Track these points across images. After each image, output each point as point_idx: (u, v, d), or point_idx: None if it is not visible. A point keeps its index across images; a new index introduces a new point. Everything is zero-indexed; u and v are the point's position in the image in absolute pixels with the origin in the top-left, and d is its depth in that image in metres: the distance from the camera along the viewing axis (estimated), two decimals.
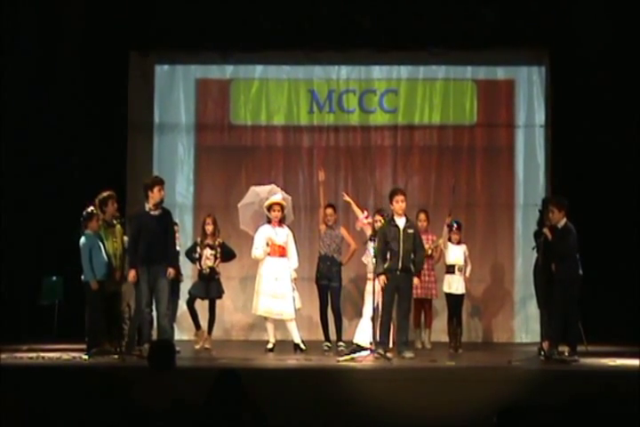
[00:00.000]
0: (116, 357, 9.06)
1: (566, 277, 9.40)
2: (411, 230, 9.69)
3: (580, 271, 9.48)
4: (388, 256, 9.57)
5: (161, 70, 12.76)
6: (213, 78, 12.84)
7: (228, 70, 12.79)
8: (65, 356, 9.20)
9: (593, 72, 11.96)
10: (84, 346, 9.41)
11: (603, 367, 8.94)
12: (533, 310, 11.28)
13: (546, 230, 9.44)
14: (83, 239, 9.55)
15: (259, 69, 12.77)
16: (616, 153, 11.82)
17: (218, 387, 5.39)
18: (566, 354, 9.40)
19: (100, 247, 9.55)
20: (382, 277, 9.49)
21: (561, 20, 11.92)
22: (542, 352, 9.43)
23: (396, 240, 9.57)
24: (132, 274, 9.35)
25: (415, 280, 9.73)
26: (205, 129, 12.78)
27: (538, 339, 10.04)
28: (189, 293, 10.79)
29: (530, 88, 12.60)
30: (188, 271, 11.15)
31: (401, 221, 9.70)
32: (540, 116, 12.55)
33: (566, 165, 11.93)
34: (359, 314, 10.53)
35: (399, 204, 9.69)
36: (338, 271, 10.79)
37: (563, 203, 9.52)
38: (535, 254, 10.04)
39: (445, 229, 10.86)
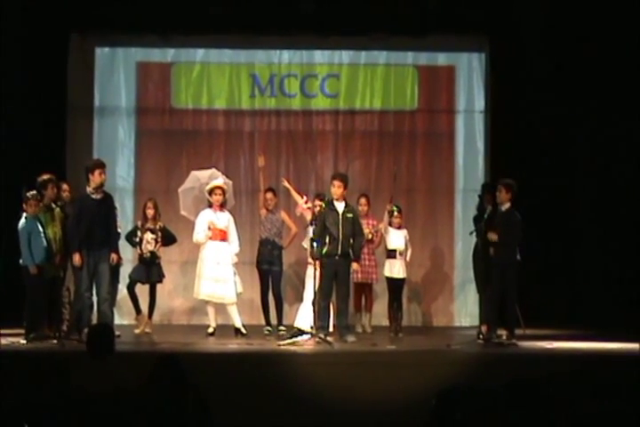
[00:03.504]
0: (55, 342, 8.95)
1: (504, 261, 9.47)
2: (350, 215, 9.69)
3: (518, 256, 9.56)
4: (327, 241, 9.56)
5: (101, 53, 12.59)
6: (154, 61, 12.70)
7: (169, 53, 12.66)
8: (3, 341, 9.05)
9: (532, 59, 12.06)
10: (22, 331, 9.28)
11: (540, 350, 9.05)
12: (472, 294, 11.40)
13: (491, 234, 9.47)
14: (21, 223, 9.40)
15: (200, 53, 12.66)
16: (554, 139, 11.94)
17: (157, 372, 5.35)
18: (504, 338, 9.49)
19: (39, 231, 9.41)
20: (320, 262, 9.48)
21: (501, 7, 11.98)
22: (481, 336, 9.51)
23: (335, 225, 9.57)
24: (76, 257, 9.25)
25: (354, 265, 9.74)
26: (146, 112, 12.66)
27: (477, 323, 10.13)
28: (130, 277, 10.70)
29: (470, 74, 12.66)
30: (129, 255, 11.05)
31: (340, 206, 9.69)
32: (479, 102, 12.62)
33: (505, 150, 12.02)
34: (300, 298, 10.53)
35: (336, 188, 9.68)
36: (279, 255, 10.79)
37: (511, 185, 9.58)
38: (474, 239, 10.12)
39: (386, 214, 10.89)
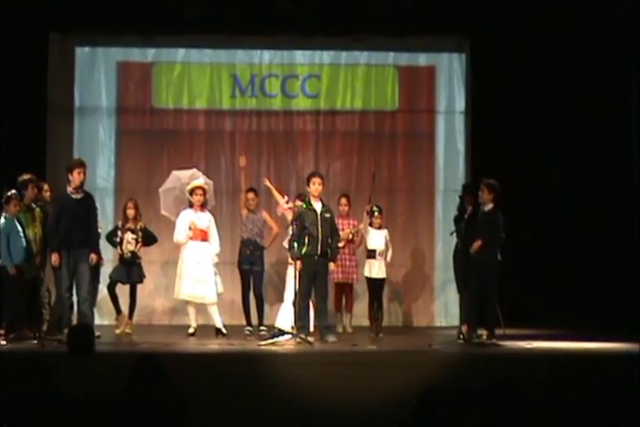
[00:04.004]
0: (35, 342, 8.91)
1: (484, 261, 9.49)
2: (327, 215, 9.69)
3: (499, 256, 9.59)
4: (306, 241, 9.55)
5: (81, 52, 12.53)
6: (135, 61, 12.65)
7: (149, 53, 12.62)
8: None
9: (512, 59, 12.08)
10: (1, 331, 9.23)
11: (520, 350, 9.08)
12: (453, 294, 11.42)
13: (474, 246, 9.48)
14: (1, 223, 9.35)
15: (181, 53, 12.62)
16: (535, 139, 11.97)
17: (138, 372, 5.34)
18: (485, 337, 9.51)
19: (18, 232, 9.37)
20: (300, 262, 9.47)
21: (481, 7, 12.01)
22: (461, 336, 9.52)
23: (314, 225, 9.56)
24: (54, 257, 9.22)
25: (331, 265, 9.73)
26: (127, 112, 12.61)
27: (457, 323, 10.13)
28: (110, 277, 10.67)
29: (450, 75, 12.68)
30: (109, 255, 11.02)
31: (317, 206, 9.68)
32: (460, 103, 12.64)
33: (485, 150, 12.05)
34: (281, 298, 10.52)
35: (315, 186, 9.67)
36: (260, 256, 10.78)
37: (495, 186, 9.60)
38: (455, 239, 10.13)
39: (365, 214, 10.89)
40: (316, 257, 9.52)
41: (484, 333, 9.57)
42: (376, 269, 10.82)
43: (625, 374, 7.42)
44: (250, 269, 10.72)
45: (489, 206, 9.62)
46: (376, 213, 10.86)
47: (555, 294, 11.66)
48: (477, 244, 9.47)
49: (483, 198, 9.62)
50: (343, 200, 11.20)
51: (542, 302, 11.58)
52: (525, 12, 11.92)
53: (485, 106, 12.12)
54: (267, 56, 12.66)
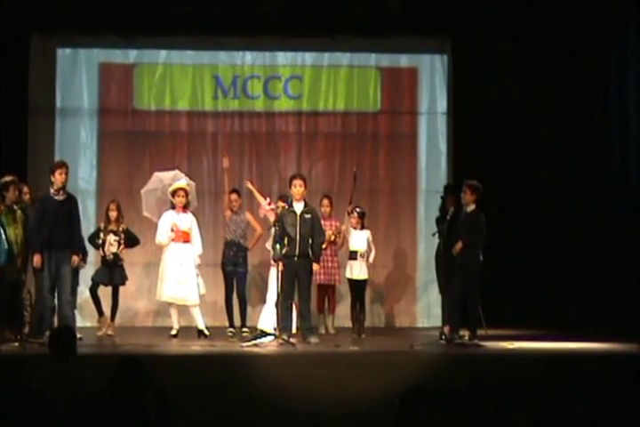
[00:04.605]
0: (16, 344, 8.87)
1: (467, 262, 9.52)
2: (308, 215, 9.69)
3: (481, 257, 9.61)
4: (286, 242, 9.55)
5: (63, 54, 12.49)
6: (117, 62, 12.61)
7: (131, 55, 12.59)
8: None
9: (494, 60, 12.13)
10: None
11: (502, 351, 9.10)
12: (435, 295, 11.43)
13: (457, 247, 9.49)
14: None
15: (163, 54, 12.59)
16: (517, 140, 12.01)
17: (120, 374, 5.32)
18: (467, 338, 9.54)
19: (0, 233, 9.33)
20: (281, 263, 9.47)
21: (463, 8, 12.04)
22: (443, 336, 9.53)
23: (293, 226, 9.56)
24: (36, 259, 9.20)
25: (315, 266, 9.73)
26: (108, 114, 12.57)
27: (439, 324, 10.16)
28: (92, 279, 10.64)
29: (432, 76, 12.70)
30: (91, 257, 10.99)
31: (298, 206, 9.69)
32: (442, 104, 12.66)
33: (468, 151, 12.09)
34: (263, 300, 10.52)
35: (297, 188, 9.69)
36: (244, 257, 10.78)
37: (477, 187, 9.62)
38: (437, 240, 10.15)
39: (346, 216, 10.89)
40: (296, 258, 9.52)
41: (465, 333, 9.59)
42: (357, 271, 10.82)
43: (610, 375, 7.45)
44: (233, 270, 10.73)
45: (471, 207, 9.64)
46: (355, 214, 10.84)
47: (538, 294, 11.69)
48: (459, 245, 9.50)
49: (465, 199, 9.64)
50: (325, 201, 11.22)
51: (525, 301, 11.61)
52: (508, 12, 11.96)
53: (467, 107, 12.16)
54: (249, 57, 12.66)
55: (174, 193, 10.38)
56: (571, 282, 11.49)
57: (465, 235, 9.50)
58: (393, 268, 12.54)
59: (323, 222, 10.82)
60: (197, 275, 10.35)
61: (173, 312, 10.42)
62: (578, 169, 11.64)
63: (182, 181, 10.50)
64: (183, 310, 10.46)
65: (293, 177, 9.89)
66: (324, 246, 10.44)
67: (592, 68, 11.47)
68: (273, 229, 9.81)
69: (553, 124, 11.86)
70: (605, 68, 11.44)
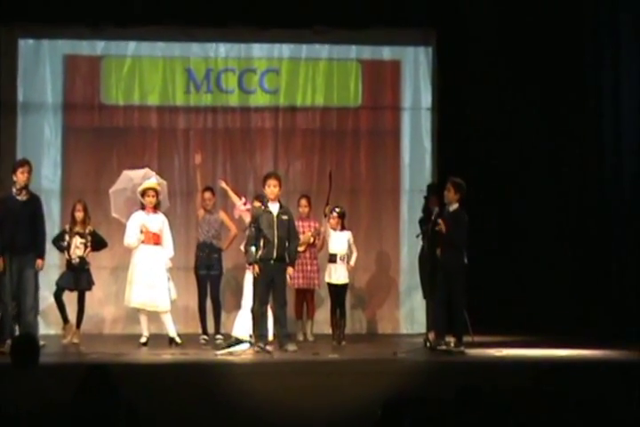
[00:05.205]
0: None
1: (450, 265, 9.54)
2: (285, 217, 9.69)
3: (466, 260, 9.63)
4: (262, 244, 9.54)
5: (25, 45, 12.43)
6: (83, 55, 12.56)
7: (98, 46, 12.53)
8: None
9: (481, 53, 12.16)
10: None
11: (489, 358, 9.14)
12: (419, 299, 11.46)
13: (441, 222, 9.51)
14: None
15: (132, 46, 12.56)
16: (505, 137, 12.05)
17: (86, 384, 5.30)
18: (452, 345, 9.56)
19: None
20: (256, 267, 9.47)
21: None
22: (428, 343, 9.56)
23: (270, 228, 9.56)
24: None
25: (289, 270, 9.72)
26: (74, 109, 12.52)
27: (424, 330, 10.20)
28: (57, 284, 10.60)
29: (416, 69, 12.71)
30: (56, 261, 10.96)
31: (274, 207, 9.68)
32: (426, 99, 12.68)
33: (453, 149, 12.11)
34: (238, 305, 10.51)
35: (271, 188, 9.67)
36: (218, 259, 10.79)
37: (461, 185, 9.64)
38: (421, 243, 10.17)
39: (324, 218, 10.89)
40: (272, 261, 9.52)
41: (451, 340, 9.61)
42: (337, 275, 10.81)
43: (604, 384, 7.49)
44: (207, 273, 10.73)
45: (454, 206, 9.66)
46: (334, 214, 10.82)
47: (526, 299, 11.73)
48: (442, 226, 9.47)
49: (448, 198, 9.66)
50: (303, 201, 11.22)
51: (513, 307, 11.65)
52: (495, 3, 12.00)
53: (453, 102, 12.19)
54: (222, 49, 12.64)
55: (144, 193, 10.36)
56: (561, 286, 11.54)
57: (447, 235, 9.50)
58: (375, 271, 12.55)
59: (301, 224, 10.86)
60: (168, 279, 10.34)
61: (143, 319, 10.40)
62: (568, 169, 11.71)
63: (152, 180, 10.48)
64: (153, 316, 10.44)
65: (267, 176, 9.86)
66: (301, 249, 10.45)
67: (585, 58, 11.53)
68: (248, 231, 9.81)
69: (544, 119, 11.90)
70: (596, 60, 11.50)
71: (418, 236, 10.04)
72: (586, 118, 11.61)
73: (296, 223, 10.14)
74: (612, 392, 6.53)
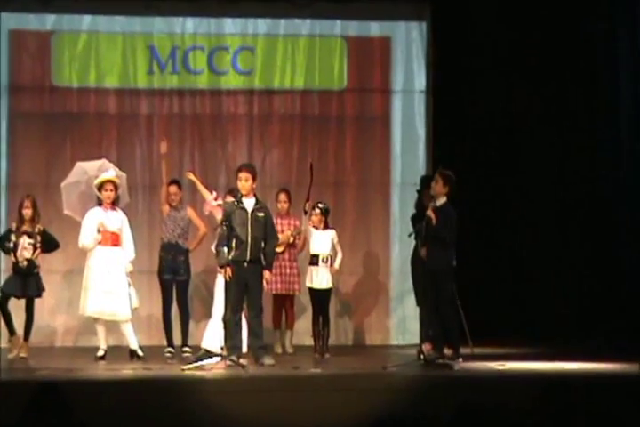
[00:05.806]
0: None
1: (437, 267, 9.55)
2: (261, 214, 9.65)
3: (454, 262, 9.65)
4: (234, 244, 9.53)
5: None
6: (31, 30, 12.56)
7: (48, 20, 12.53)
8: None
9: (480, 30, 12.19)
10: None
11: (490, 372, 9.17)
12: (412, 307, 11.50)
13: (429, 213, 9.53)
14: None
15: (87, 20, 12.54)
16: (505, 122, 12.09)
17: (36, 404, 5.29)
18: (449, 358, 9.58)
19: None
20: (228, 270, 9.45)
21: None
22: (422, 356, 9.58)
23: (243, 226, 9.53)
24: None
25: (266, 274, 9.71)
26: (21, 91, 12.51)
27: (417, 341, 10.23)
28: (1, 291, 10.60)
29: (408, 47, 12.75)
30: (1, 264, 10.94)
31: (249, 203, 9.64)
32: (419, 80, 12.72)
33: (449, 136, 12.15)
34: (209, 314, 10.51)
35: (242, 182, 9.60)
36: (185, 262, 10.81)
37: (451, 177, 9.66)
38: (414, 242, 10.18)
39: (304, 216, 10.87)
40: (246, 264, 9.50)
41: (448, 352, 9.64)
42: (319, 279, 10.81)
43: (614, 399, 7.53)
44: (172, 278, 10.74)
45: (441, 200, 9.67)
46: (316, 211, 10.81)
47: (530, 307, 11.79)
48: (432, 213, 9.50)
49: (436, 190, 9.68)
50: (282, 196, 11.22)
51: (515, 316, 11.71)
52: None
53: (449, 84, 12.23)
54: (190, 25, 12.65)
55: (101, 187, 10.36)
56: (567, 292, 11.64)
57: (434, 230, 9.50)
58: (362, 275, 12.58)
59: (280, 221, 10.86)
60: (129, 284, 10.33)
61: (100, 329, 10.39)
62: (571, 159, 11.81)
63: (110, 173, 10.48)
64: (112, 326, 10.44)
65: (239, 169, 9.78)
66: (280, 250, 10.45)
67: (595, 39, 11.59)
68: (219, 229, 9.80)
69: (546, 103, 11.96)
70: (614, 38, 11.56)
71: (410, 235, 10.06)
72: (595, 103, 11.66)
73: (274, 221, 10.13)
74: (625, 411, 6.57)
